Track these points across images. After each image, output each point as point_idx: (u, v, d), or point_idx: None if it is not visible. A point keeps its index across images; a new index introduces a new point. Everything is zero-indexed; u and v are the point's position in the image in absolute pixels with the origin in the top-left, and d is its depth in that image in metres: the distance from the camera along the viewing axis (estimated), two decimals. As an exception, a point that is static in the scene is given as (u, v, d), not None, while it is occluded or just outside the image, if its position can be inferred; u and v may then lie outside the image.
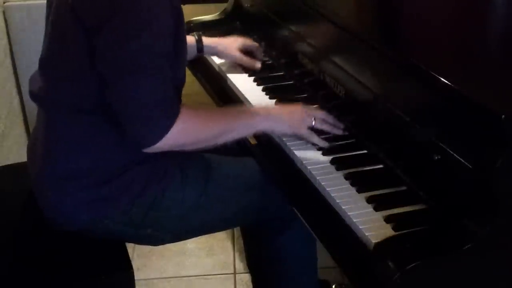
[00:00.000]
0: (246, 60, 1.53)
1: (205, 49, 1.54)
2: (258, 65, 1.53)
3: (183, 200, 1.22)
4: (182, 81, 1.20)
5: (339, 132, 1.24)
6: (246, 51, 1.55)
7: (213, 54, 1.58)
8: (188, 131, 1.12)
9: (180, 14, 1.12)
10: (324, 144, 1.21)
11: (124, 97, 1.06)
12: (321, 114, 1.25)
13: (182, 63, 1.18)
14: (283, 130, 1.23)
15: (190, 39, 1.50)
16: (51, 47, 1.16)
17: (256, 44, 1.58)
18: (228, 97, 1.52)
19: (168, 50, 1.08)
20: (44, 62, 1.19)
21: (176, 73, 1.13)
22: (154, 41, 1.04)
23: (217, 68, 1.61)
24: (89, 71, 1.09)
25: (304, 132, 1.22)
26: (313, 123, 1.22)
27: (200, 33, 1.56)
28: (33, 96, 1.22)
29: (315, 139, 1.21)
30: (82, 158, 1.16)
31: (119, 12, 1.01)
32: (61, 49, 1.13)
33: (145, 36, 1.03)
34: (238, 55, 1.54)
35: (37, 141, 1.23)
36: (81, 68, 1.10)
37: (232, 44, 1.55)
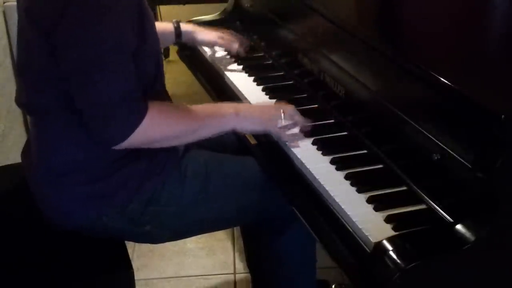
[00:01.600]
0: (222, 42, 1.55)
1: (184, 35, 1.54)
2: (235, 46, 1.54)
3: (182, 196, 1.21)
4: (151, 75, 1.18)
5: (306, 128, 1.23)
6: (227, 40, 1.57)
7: (192, 40, 1.57)
8: (156, 127, 1.10)
9: (142, 2, 1.10)
10: (293, 143, 1.20)
11: (86, 95, 1.05)
12: (290, 108, 1.24)
13: (150, 56, 1.15)
14: (254, 128, 1.23)
15: (169, 25, 1.52)
16: (20, 54, 1.16)
17: (236, 33, 1.59)
18: (228, 97, 1.52)
19: (128, 44, 1.06)
20: (18, 68, 1.19)
21: (142, 67, 1.10)
22: (112, 35, 1.02)
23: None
24: (55, 71, 1.07)
25: (274, 129, 1.22)
26: (282, 116, 1.22)
27: (179, 20, 1.56)
28: (19, 104, 1.22)
29: (284, 136, 1.21)
30: (75, 154, 1.15)
31: (73, 5, 1.00)
32: (27, 54, 1.13)
33: (101, 31, 1.01)
34: (215, 37, 1.55)
35: (30, 143, 1.23)
36: (50, 70, 1.09)
37: (212, 30, 1.58)
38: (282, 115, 1.22)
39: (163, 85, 1.28)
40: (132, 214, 1.19)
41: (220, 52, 1.66)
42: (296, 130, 1.24)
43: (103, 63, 1.03)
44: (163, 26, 1.52)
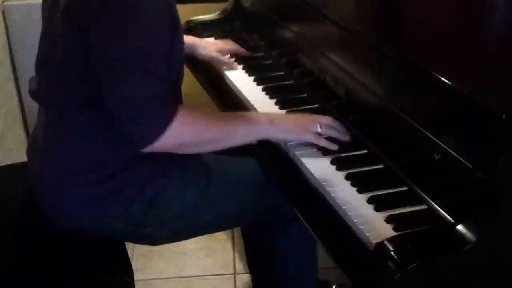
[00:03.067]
0: (222, 60, 1.54)
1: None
2: (234, 66, 1.53)
3: (183, 199, 1.21)
4: (178, 80, 1.19)
5: (346, 138, 1.21)
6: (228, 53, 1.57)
7: (190, 53, 1.55)
8: (186, 131, 1.10)
9: (174, 8, 1.11)
10: (333, 146, 1.18)
11: (118, 95, 1.05)
12: (326, 119, 1.22)
13: (177, 62, 1.17)
14: (288, 136, 1.20)
15: None
16: (45, 46, 1.16)
17: (235, 47, 1.58)
18: (228, 97, 1.52)
19: (163, 48, 1.06)
20: (40, 60, 1.19)
21: (172, 71, 1.11)
22: (147, 38, 1.03)
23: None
24: (84, 69, 1.08)
25: (310, 137, 1.19)
26: (319, 129, 1.19)
27: None
28: (33, 94, 1.22)
29: (323, 142, 1.18)
30: (81, 155, 1.16)
31: (110, 9, 1.01)
32: (55, 48, 1.13)
33: (137, 33, 1.02)
34: (215, 54, 1.54)
35: (37, 139, 1.23)
36: (75, 67, 1.10)
37: (211, 44, 1.56)
38: (319, 127, 1.19)
39: (180, 94, 1.27)
40: (134, 216, 1.19)
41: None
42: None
43: (137, 64, 1.03)
44: None
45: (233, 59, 1.59)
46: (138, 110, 1.04)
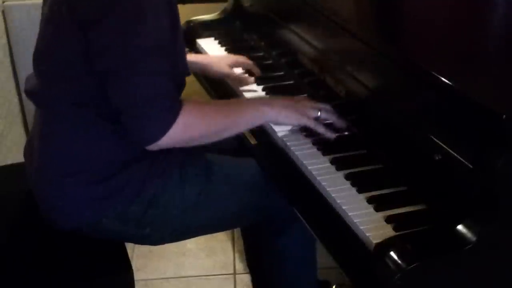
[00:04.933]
0: (236, 77, 1.48)
1: (192, 66, 1.46)
2: (250, 81, 1.47)
3: (182, 199, 1.21)
4: (183, 75, 1.19)
5: (342, 125, 1.23)
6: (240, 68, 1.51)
7: (201, 71, 1.52)
8: (192, 125, 1.10)
9: (177, 17, 1.12)
10: (331, 134, 1.20)
11: (124, 93, 1.05)
12: (325, 105, 1.24)
13: (181, 56, 1.17)
14: (289, 119, 1.21)
15: None
16: (44, 44, 1.16)
17: (250, 62, 1.52)
18: (228, 98, 1.51)
19: (167, 44, 1.07)
20: (38, 57, 1.18)
21: (176, 68, 1.12)
22: (154, 35, 1.04)
23: None
24: (84, 67, 1.08)
25: (310, 121, 1.21)
26: (318, 113, 1.21)
27: (187, 50, 1.53)
28: (28, 93, 1.21)
29: (321, 129, 1.20)
30: (78, 156, 1.15)
31: (117, 6, 1.01)
32: (55, 46, 1.13)
33: (144, 31, 1.02)
34: (227, 71, 1.49)
35: (33, 140, 1.23)
36: (75, 64, 1.10)
37: (224, 59, 1.51)
38: (318, 112, 1.22)
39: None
40: (133, 216, 1.19)
41: (220, 53, 1.65)
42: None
43: (142, 62, 1.03)
44: None
45: (246, 74, 1.53)
46: (146, 107, 1.05)
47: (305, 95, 1.40)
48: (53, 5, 1.11)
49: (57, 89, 1.14)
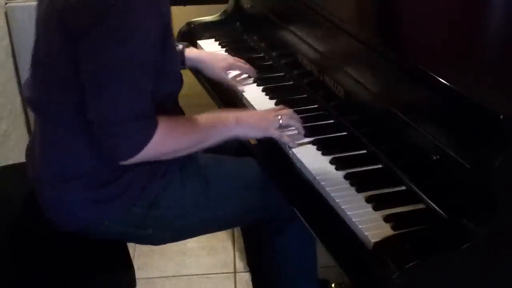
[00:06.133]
0: (231, 82, 1.48)
1: (188, 62, 1.48)
2: (242, 88, 1.47)
3: (183, 200, 1.22)
4: (166, 93, 1.17)
5: (302, 130, 1.24)
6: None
7: (198, 69, 1.51)
8: (164, 143, 1.11)
9: (169, 22, 1.10)
10: (293, 144, 1.21)
11: (100, 109, 1.05)
12: (286, 111, 1.26)
13: (170, 75, 1.16)
14: (255, 133, 1.25)
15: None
16: (39, 53, 1.15)
17: (247, 66, 1.51)
18: (228, 98, 1.52)
19: (149, 62, 1.06)
20: (34, 66, 1.17)
21: (160, 86, 1.11)
22: (137, 52, 1.03)
23: None
24: (77, 78, 1.07)
25: (274, 132, 1.23)
26: (280, 121, 1.23)
27: (186, 44, 1.51)
28: (28, 101, 1.22)
29: (285, 138, 1.22)
30: (79, 161, 1.15)
31: (105, 20, 1.00)
32: (48, 55, 1.12)
33: (129, 46, 1.02)
34: (223, 76, 1.48)
35: (35, 143, 1.23)
36: (68, 75, 1.09)
37: (220, 63, 1.49)
38: (280, 120, 1.24)
39: (176, 101, 1.29)
40: (134, 218, 1.19)
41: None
42: (295, 131, 1.25)
43: (121, 80, 1.03)
44: None
45: (243, 76, 1.52)
46: (118, 125, 1.04)
47: (304, 95, 1.41)
48: (45, 17, 1.11)
49: (55, 97, 1.14)
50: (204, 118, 1.20)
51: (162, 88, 1.13)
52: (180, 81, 1.22)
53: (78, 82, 1.07)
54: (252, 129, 1.24)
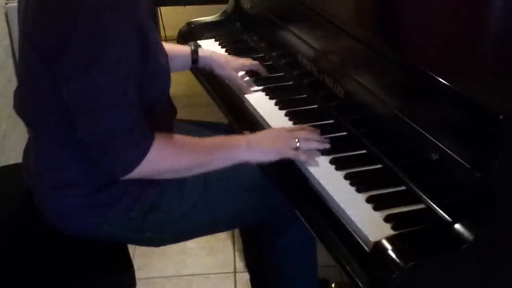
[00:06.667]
0: (238, 82, 1.45)
1: (200, 61, 1.46)
2: (247, 91, 1.44)
3: (182, 202, 1.21)
4: (165, 91, 1.15)
5: (325, 146, 1.18)
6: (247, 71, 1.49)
7: (209, 68, 1.49)
8: (162, 160, 1.08)
9: (144, 27, 1.03)
10: (313, 162, 1.16)
11: (88, 128, 1.03)
12: (304, 133, 1.19)
13: (156, 80, 1.12)
14: (269, 157, 1.17)
15: (186, 49, 1.46)
16: (21, 68, 1.14)
17: (257, 63, 1.50)
18: (228, 97, 1.52)
19: (131, 73, 1.02)
20: (19, 81, 1.16)
21: (148, 93, 1.08)
22: (116, 66, 0.99)
23: None
24: (57, 97, 1.04)
25: (289, 152, 1.16)
26: (297, 144, 1.16)
27: (198, 44, 1.51)
28: (17, 111, 1.19)
29: (303, 157, 1.16)
30: (76, 168, 1.14)
31: (76, 39, 0.96)
32: (29, 75, 1.10)
33: (106, 63, 0.98)
34: (232, 74, 1.46)
35: (30, 150, 1.22)
36: (48, 93, 1.07)
37: (230, 62, 1.48)
38: (297, 142, 1.16)
39: (169, 103, 1.25)
40: (133, 222, 1.19)
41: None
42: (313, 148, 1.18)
43: (105, 96, 1.00)
44: (179, 49, 1.46)
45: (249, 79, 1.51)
46: (112, 144, 1.03)
47: (304, 95, 1.41)
48: (20, 38, 1.09)
49: (41, 115, 1.12)
50: (211, 140, 1.16)
51: (152, 91, 1.10)
52: (168, 77, 1.17)
53: (59, 101, 1.04)
54: (265, 153, 1.16)
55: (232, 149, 1.16)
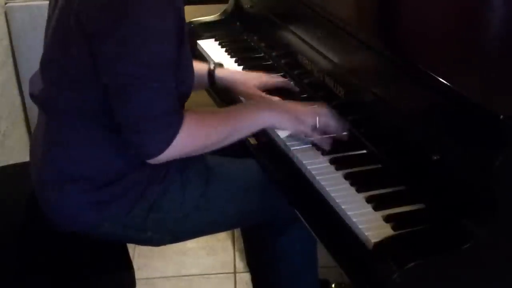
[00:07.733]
0: (259, 99, 1.37)
1: (218, 81, 1.43)
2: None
3: (184, 202, 1.22)
4: (189, 87, 1.18)
5: (343, 133, 1.21)
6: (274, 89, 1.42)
7: (227, 88, 1.44)
8: (194, 138, 1.11)
9: (182, 15, 1.10)
10: (326, 146, 1.19)
11: (127, 108, 1.05)
12: (325, 116, 1.22)
13: (188, 68, 1.17)
14: (286, 125, 1.21)
15: (203, 68, 1.42)
16: (52, 51, 1.15)
17: (284, 80, 1.45)
18: (228, 98, 1.52)
19: (172, 58, 1.06)
20: (45, 64, 1.18)
21: (182, 80, 1.11)
22: (159, 50, 1.03)
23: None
24: (90, 78, 1.08)
25: (306, 129, 1.20)
26: (317, 124, 1.20)
27: (218, 63, 1.46)
28: (34, 98, 1.21)
29: (317, 137, 1.19)
30: (81, 162, 1.16)
31: (123, 22, 1.00)
32: (63, 54, 1.12)
33: (150, 46, 1.02)
34: (253, 92, 1.40)
35: (37, 143, 1.23)
36: (82, 74, 1.09)
37: (253, 80, 1.42)
38: (317, 121, 1.19)
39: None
40: (134, 221, 1.19)
41: (224, 58, 1.65)
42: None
43: (147, 78, 1.03)
44: (197, 67, 1.37)
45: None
46: (148, 123, 1.05)
47: (304, 95, 1.41)
48: (61, 16, 1.11)
49: (63, 98, 1.14)
50: (234, 108, 1.20)
51: (181, 84, 1.12)
52: (191, 87, 1.20)
53: (91, 79, 1.07)
54: (286, 119, 1.19)
55: (255, 115, 1.19)
